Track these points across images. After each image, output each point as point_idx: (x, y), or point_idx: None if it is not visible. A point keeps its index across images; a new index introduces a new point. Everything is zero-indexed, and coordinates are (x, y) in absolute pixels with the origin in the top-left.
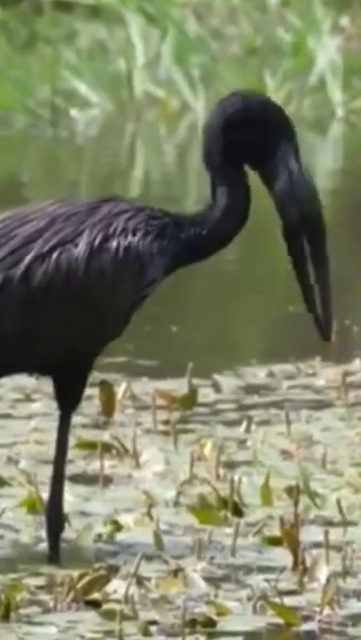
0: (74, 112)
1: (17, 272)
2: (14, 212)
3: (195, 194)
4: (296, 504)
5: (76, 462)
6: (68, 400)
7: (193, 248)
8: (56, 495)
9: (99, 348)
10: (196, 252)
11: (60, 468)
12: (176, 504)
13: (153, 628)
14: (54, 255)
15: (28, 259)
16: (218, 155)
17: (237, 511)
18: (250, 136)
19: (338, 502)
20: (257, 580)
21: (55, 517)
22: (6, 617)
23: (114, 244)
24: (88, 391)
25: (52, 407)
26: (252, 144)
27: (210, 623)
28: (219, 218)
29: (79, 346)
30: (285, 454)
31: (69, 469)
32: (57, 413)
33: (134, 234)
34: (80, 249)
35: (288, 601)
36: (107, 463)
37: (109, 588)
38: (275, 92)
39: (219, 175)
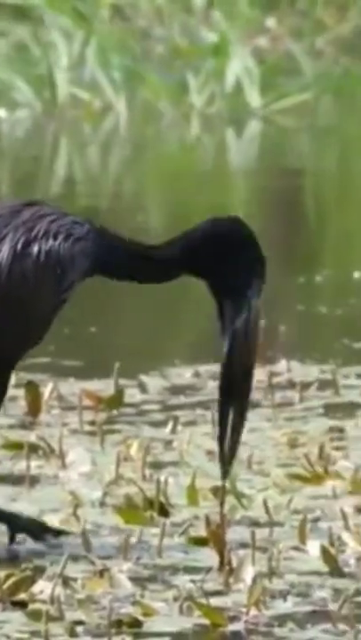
0: (1, 112)
1: None
2: None
3: (115, 189)
4: (222, 504)
5: (3, 463)
6: None
7: (111, 255)
8: None
9: (20, 353)
10: (113, 260)
11: None
12: (102, 504)
13: (79, 629)
14: None
15: None
16: (187, 259)
17: (164, 511)
18: (226, 267)
19: (264, 503)
20: (183, 581)
21: None
22: None
23: (35, 247)
24: (14, 392)
25: None
26: (226, 275)
27: (136, 624)
28: (141, 258)
29: (1, 349)
30: (211, 455)
31: None
32: None
33: (55, 237)
34: (3, 253)
35: (214, 601)
36: (33, 464)
37: (35, 588)
38: (197, 93)
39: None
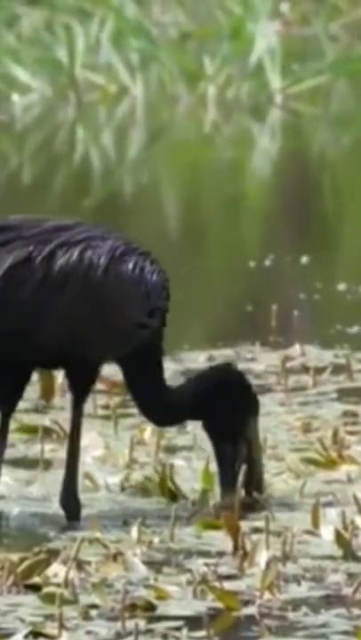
0: (14, 97)
1: (44, 249)
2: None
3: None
4: (239, 488)
5: (17, 446)
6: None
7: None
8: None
9: (105, 356)
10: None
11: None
12: (116, 488)
13: (93, 612)
14: (80, 246)
15: (55, 242)
16: None
17: (177, 496)
18: (225, 411)
19: (278, 487)
20: (197, 565)
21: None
22: None
23: (132, 259)
24: None
25: None
26: (224, 418)
27: (150, 607)
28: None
29: (89, 351)
30: None
31: (10, 453)
32: None
33: (152, 263)
34: (103, 250)
35: (228, 585)
36: (47, 447)
37: (50, 571)
38: (213, 76)
39: None
